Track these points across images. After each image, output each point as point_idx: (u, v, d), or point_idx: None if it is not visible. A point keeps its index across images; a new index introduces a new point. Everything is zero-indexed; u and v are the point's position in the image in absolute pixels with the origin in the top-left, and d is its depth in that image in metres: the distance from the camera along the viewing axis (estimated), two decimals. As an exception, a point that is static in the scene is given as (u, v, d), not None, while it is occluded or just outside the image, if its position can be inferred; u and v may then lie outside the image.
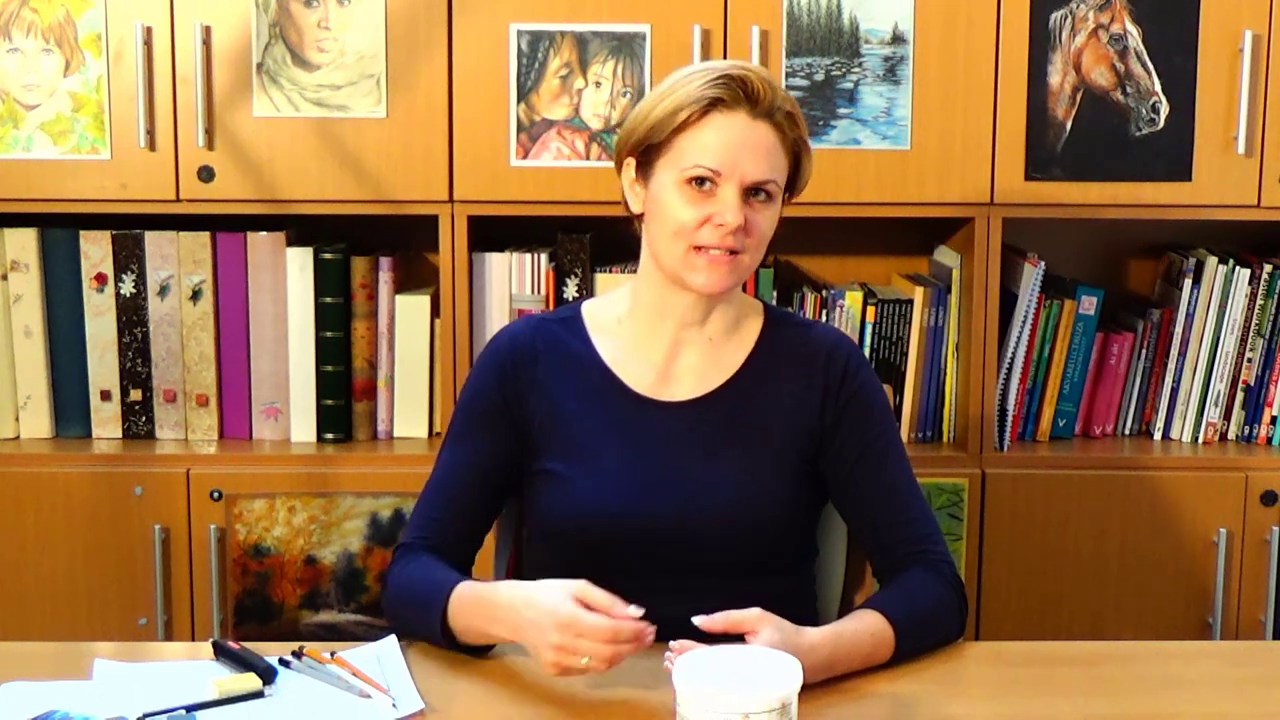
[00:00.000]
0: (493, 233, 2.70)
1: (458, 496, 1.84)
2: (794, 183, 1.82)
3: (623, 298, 1.89)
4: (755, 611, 1.59)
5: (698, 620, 1.58)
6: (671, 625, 1.61)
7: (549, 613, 1.57)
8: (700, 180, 1.73)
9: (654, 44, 2.52)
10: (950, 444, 2.70)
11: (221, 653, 1.68)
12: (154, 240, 2.62)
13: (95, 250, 2.62)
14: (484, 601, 1.67)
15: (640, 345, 1.86)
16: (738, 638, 1.58)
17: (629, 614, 1.55)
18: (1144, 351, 2.72)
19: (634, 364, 1.85)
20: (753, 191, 1.74)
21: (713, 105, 1.73)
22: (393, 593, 1.79)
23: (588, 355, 1.86)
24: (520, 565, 2.00)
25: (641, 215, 1.82)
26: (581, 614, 1.56)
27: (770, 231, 1.78)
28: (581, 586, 1.58)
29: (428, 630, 1.71)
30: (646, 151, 1.78)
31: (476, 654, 1.70)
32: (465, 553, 1.85)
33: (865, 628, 1.69)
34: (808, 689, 1.45)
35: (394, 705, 1.57)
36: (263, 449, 2.65)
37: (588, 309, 1.90)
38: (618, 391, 1.84)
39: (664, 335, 1.85)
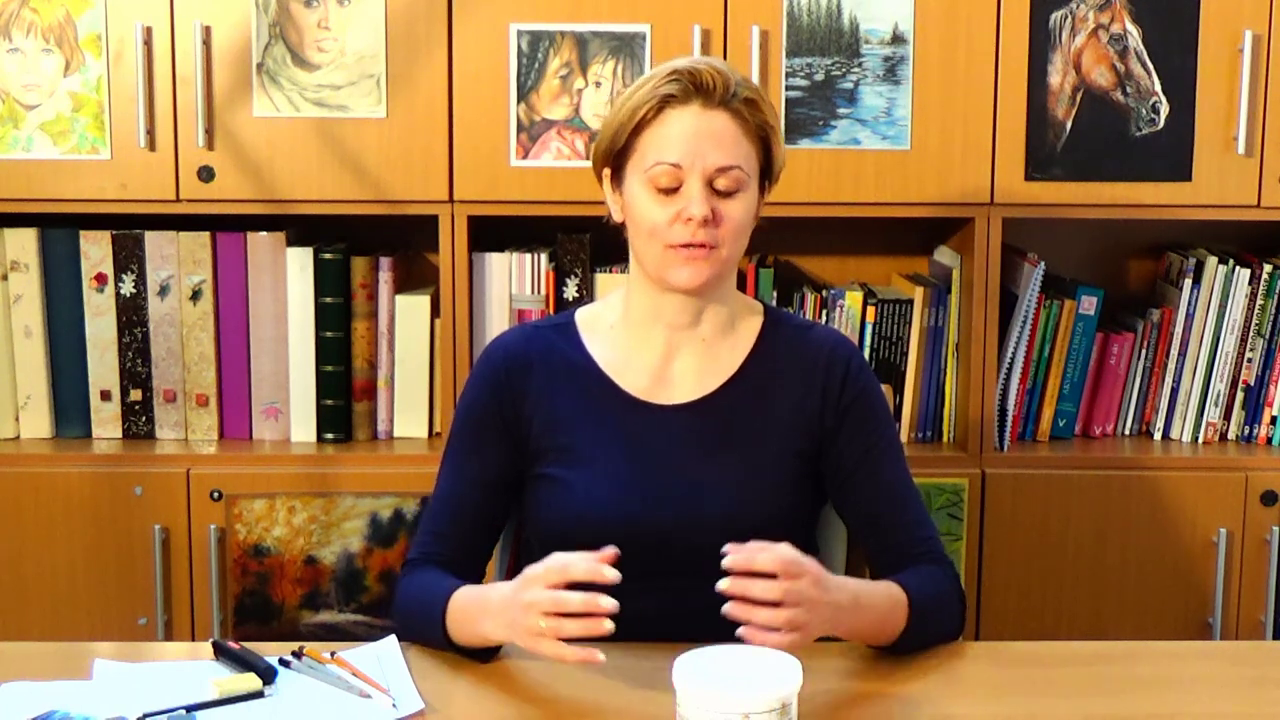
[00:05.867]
0: (493, 233, 2.70)
1: (462, 510, 1.84)
2: (769, 170, 1.81)
3: (615, 304, 1.89)
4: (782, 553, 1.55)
5: (727, 562, 1.54)
6: (671, 625, 1.61)
7: (518, 582, 1.60)
8: (666, 178, 1.74)
9: (654, 44, 2.52)
10: (950, 444, 2.69)
11: (221, 653, 1.68)
12: (154, 240, 2.62)
13: (95, 250, 2.63)
14: (477, 600, 1.68)
15: (635, 350, 1.85)
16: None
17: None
18: (1144, 351, 2.72)
19: (629, 368, 1.85)
20: (721, 182, 1.74)
21: (666, 102, 1.75)
22: (400, 608, 1.79)
23: (583, 361, 1.85)
24: (519, 570, 2.00)
25: (624, 223, 1.83)
26: (538, 567, 1.58)
27: (746, 221, 1.78)
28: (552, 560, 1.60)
29: (433, 639, 1.72)
30: (616, 159, 1.80)
31: (481, 659, 1.70)
32: (473, 565, 1.86)
33: (883, 588, 1.70)
34: (808, 688, 1.45)
35: (394, 705, 1.57)
36: (263, 449, 2.65)
37: (581, 315, 1.90)
38: (614, 396, 1.83)
39: (657, 339, 1.84)
